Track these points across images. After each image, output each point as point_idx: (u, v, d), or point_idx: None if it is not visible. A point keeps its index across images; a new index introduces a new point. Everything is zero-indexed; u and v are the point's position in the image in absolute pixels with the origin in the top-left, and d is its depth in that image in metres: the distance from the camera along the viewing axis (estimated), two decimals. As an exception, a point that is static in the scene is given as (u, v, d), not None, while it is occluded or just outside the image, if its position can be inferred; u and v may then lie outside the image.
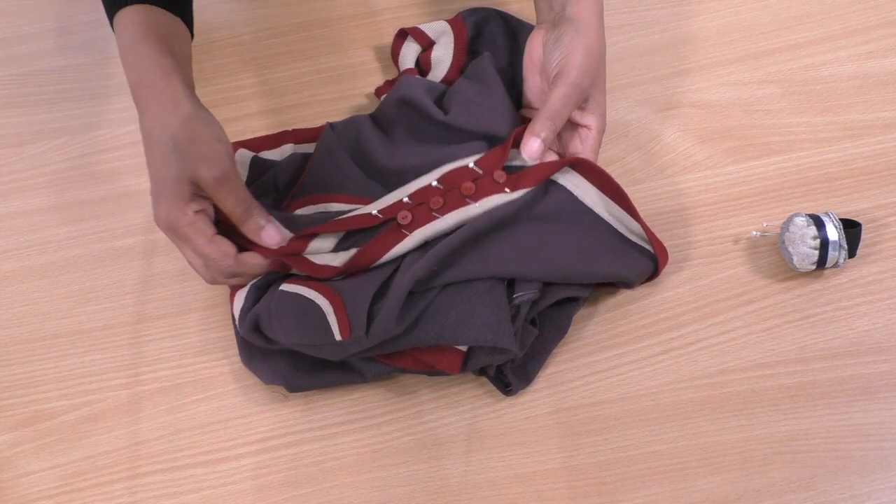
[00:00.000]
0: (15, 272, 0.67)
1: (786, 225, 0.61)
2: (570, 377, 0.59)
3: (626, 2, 0.77)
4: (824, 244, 0.59)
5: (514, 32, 0.71)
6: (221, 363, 0.62)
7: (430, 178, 0.60)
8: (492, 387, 0.59)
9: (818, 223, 0.59)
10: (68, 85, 0.77)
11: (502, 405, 0.59)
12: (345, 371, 0.58)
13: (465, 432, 0.58)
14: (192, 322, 0.64)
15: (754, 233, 0.63)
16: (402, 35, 0.74)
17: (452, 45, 0.72)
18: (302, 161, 0.66)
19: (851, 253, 0.60)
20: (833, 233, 0.59)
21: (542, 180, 0.59)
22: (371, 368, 0.58)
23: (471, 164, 0.60)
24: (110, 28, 0.61)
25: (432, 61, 0.72)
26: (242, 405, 0.60)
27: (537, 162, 0.59)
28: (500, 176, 0.59)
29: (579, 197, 0.60)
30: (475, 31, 0.72)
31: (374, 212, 0.60)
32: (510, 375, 0.57)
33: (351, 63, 0.76)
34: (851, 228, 0.60)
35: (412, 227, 0.58)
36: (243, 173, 0.66)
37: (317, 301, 0.56)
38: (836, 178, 0.66)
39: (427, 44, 0.73)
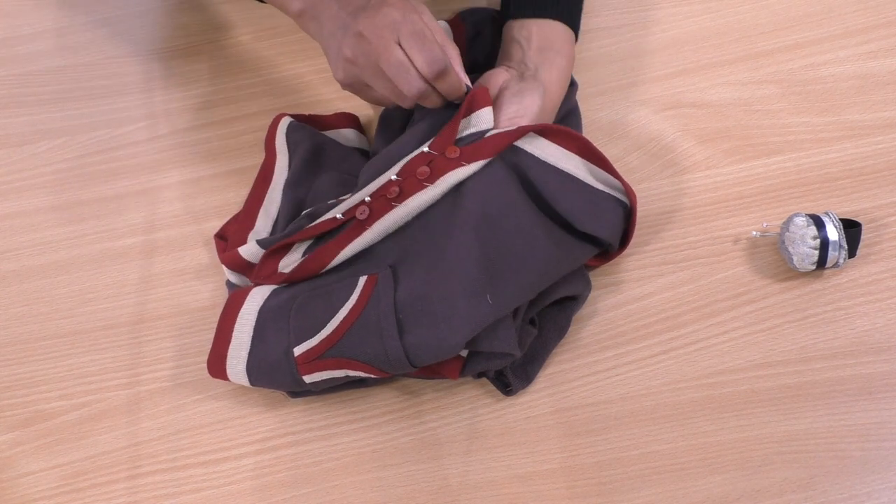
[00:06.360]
0: (15, 272, 0.67)
1: (786, 225, 0.61)
2: (570, 377, 0.59)
3: (626, 2, 0.76)
4: (824, 244, 0.59)
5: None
6: (221, 363, 0.62)
7: (391, 174, 0.60)
8: (492, 387, 0.59)
9: (818, 223, 0.59)
10: (68, 85, 0.77)
11: (502, 405, 0.59)
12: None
13: (465, 432, 0.58)
14: (192, 322, 0.64)
15: (754, 233, 0.63)
16: (403, 35, 0.74)
17: (452, 45, 0.72)
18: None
19: (851, 253, 0.60)
20: (833, 233, 0.59)
21: (500, 150, 0.58)
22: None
23: (425, 149, 0.59)
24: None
25: (432, 61, 0.72)
26: (242, 405, 0.60)
27: (490, 125, 0.59)
28: (452, 152, 0.58)
29: (542, 157, 0.58)
30: (474, 32, 0.72)
31: (338, 215, 0.59)
32: (510, 376, 0.57)
33: (351, 63, 0.76)
34: (851, 228, 0.60)
35: (371, 220, 0.58)
36: (281, 136, 0.69)
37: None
38: (836, 178, 0.66)
39: (427, 44, 0.73)
